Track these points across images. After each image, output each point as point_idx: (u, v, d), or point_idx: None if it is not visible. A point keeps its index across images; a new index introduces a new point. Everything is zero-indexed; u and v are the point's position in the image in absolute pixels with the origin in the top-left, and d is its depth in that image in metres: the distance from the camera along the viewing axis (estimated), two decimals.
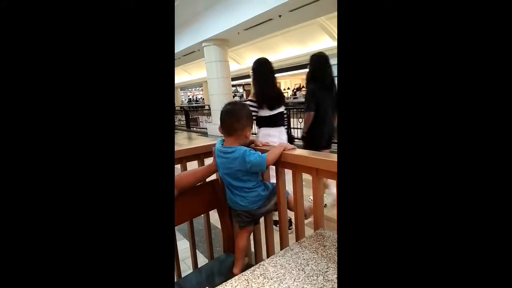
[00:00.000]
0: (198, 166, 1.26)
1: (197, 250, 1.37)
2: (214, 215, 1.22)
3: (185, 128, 10.41)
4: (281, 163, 1.04)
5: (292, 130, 5.92)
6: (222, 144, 1.02)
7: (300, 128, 5.61)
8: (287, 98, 17.50)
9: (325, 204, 2.17)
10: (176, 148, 1.21)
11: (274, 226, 1.22)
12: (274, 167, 1.07)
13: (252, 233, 1.15)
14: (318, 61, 2.17)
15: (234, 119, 0.98)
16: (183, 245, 1.67)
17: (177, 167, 1.23)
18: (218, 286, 0.61)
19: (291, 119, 6.03)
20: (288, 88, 21.74)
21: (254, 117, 1.83)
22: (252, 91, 1.97)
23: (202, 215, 1.22)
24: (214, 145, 1.26)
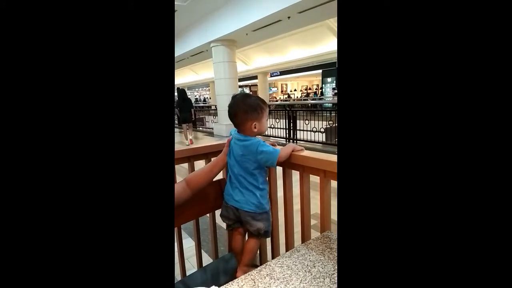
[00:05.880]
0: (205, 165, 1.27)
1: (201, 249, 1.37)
2: (219, 215, 1.22)
3: (192, 128, 10.47)
4: (288, 164, 1.04)
5: (297, 132, 5.92)
6: (237, 132, 1.02)
7: (305, 130, 5.60)
8: (293, 100, 17.44)
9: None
10: (182, 147, 1.22)
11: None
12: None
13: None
14: (178, 91, 6.48)
15: (232, 115, 0.99)
16: (187, 244, 1.68)
17: (185, 166, 1.24)
18: (224, 285, 0.61)
19: (298, 121, 6.05)
20: (295, 90, 21.70)
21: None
22: None
23: (208, 214, 1.22)
24: (221, 145, 1.27)
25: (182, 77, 18.94)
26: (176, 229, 1.21)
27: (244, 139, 0.98)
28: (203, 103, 18.30)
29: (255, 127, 0.98)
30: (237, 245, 1.05)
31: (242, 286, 0.61)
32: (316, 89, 18.42)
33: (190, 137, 6.63)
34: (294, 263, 0.68)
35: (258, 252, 1.14)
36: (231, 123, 1.02)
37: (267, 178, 1.05)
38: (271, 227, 1.14)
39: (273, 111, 6.68)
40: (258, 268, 0.67)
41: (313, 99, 14.72)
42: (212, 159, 1.27)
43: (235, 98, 1.00)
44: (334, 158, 0.88)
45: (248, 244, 1.02)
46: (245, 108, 0.97)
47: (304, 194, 1.03)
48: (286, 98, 18.88)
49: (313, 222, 1.10)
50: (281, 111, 6.47)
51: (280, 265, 0.68)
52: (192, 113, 6.61)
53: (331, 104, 8.37)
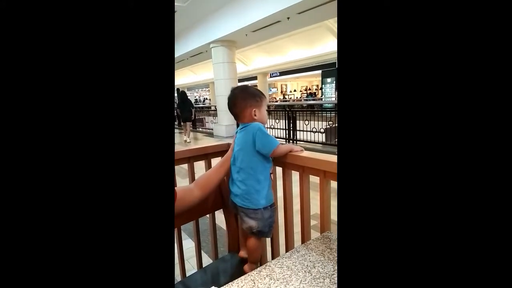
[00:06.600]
0: (205, 166, 1.27)
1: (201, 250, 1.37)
2: (219, 216, 1.22)
3: (191, 128, 10.49)
4: (288, 164, 1.04)
5: (297, 132, 5.92)
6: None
7: (305, 130, 5.60)
8: (293, 100, 17.44)
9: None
10: (182, 148, 1.22)
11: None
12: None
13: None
14: (179, 92, 7.03)
15: (231, 105, 1.01)
16: (187, 245, 1.68)
17: (184, 166, 1.24)
18: (224, 286, 0.61)
19: (297, 121, 6.04)
20: (295, 90, 21.73)
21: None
22: None
23: (207, 215, 1.22)
24: (220, 145, 1.27)
25: (182, 78, 18.94)
26: (176, 230, 1.21)
27: (246, 125, 0.98)
28: (203, 104, 18.31)
29: (255, 114, 0.98)
30: (242, 233, 1.07)
31: (242, 286, 0.61)
32: (315, 89, 18.43)
33: (186, 138, 7.08)
34: (294, 263, 0.68)
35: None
36: (231, 124, 1.03)
37: (270, 174, 1.00)
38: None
39: (272, 112, 6.69)
40: (258, 268, 0.67)
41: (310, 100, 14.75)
42: (212, 159, 1.27)
43: (234, 90, 1.02)
44: (333, 158, 0.88)
45: (248, 243, 1.01)
46: (244, 95, 0.99)
47: (304, 195, 1.03)
48: (283, 99, 18.87)
49: (313, 222, 1.10)
50: (280, 112, 6.47)
51: (280, 266, 0.68)
52: (192, 112, 7.19)
53: (331, 104, 8.38)
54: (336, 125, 5.19)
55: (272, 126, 6.44)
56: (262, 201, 0.95)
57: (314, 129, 5.48)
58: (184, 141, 6.96)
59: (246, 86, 1.06)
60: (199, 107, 12.10)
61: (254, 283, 0.62)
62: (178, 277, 1.28)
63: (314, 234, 0.98)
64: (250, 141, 0.94)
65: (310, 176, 1.00)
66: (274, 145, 0.94)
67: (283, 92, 21.73)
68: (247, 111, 0.98)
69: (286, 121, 6.15)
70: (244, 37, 7.06)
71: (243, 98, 0.98)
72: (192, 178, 1.24)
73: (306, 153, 0.99)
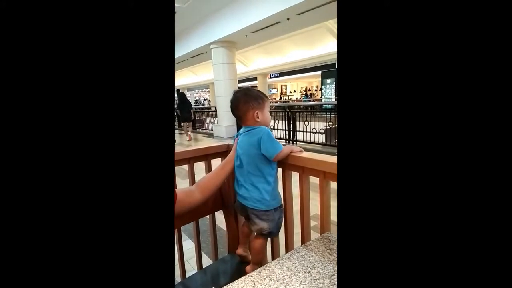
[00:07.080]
0: (205, 167, 1.27)
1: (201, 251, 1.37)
2: (219, 217, 1.22)
3: (191, 128, 10.51)
4: (288, 165, 1.04)
5: (297, 133, 5.92)
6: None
7: (305, 131, 5.60)
8: (293, 101, 17.44)
9: None
10: (182, 149, 1.22)
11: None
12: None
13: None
14: (178, 93, 7.57)
15: (234, 108, 1.01)
16: (187, 246, 1.68)
17: (184, 167, 1.24)
18: (224, 287, 0.61)
19: (297, 122, 6.05)
20: (295, 91, 21.75)
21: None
22: None
23: (207, 216, 1.22)
24: (221, 146, 1.27)
25: (182, 79, 18.95)
26: (176, 230, 1.21)
27: (252, 128, 0.98)
28: (202, 105, 18.34)
29: (257, 116, 0.98)
30: (244, 230, 1.08)
31: (242, 287, 0.61)
32: (315, 90, 18.45)
33: (189, 133, 7.50)
34: (293, 264, 0.68)
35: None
36: (231, 124, 1.03)
37: (276, 174, 1.01)
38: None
39: (272, 112, 6.68)
40: (258, 269, 0.67)
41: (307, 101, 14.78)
42: (212, 160, 1.27)
43: (236, 93, 1.03)
44: (333, 159, 0.88)
45: (254, 244, 1.01)
46: (246, 98, 0.99)
47: (303, 195, 1.03)
48: (281, 100, 18.86)
49: (312, 223, 1.10)
50: (280, 112, 6.47)
51: (279, 267, 0.68)
52: (192, 113, 7.67)
53: (331, 105, 8.40)
54: (336, 125, 5.19)
55: (272, 127, 6.44)
56: (273, 202, 0.97)
57: (314, 130, 5.48)
58: (188, 140, 7.16)
59: (248, 88, 1.06)
60: (199, 108, 12.13)
61: (254, 284, 0.62)
62: (178, 278, 1.28)
63: (314, 235, 0.97)
64: (255, 144, 0.95)
65: (310, 177, 1.00)
66: (277, 150, 0.94)
67: (282, 93, 21.74)
68: (250, 114, 0.98)
69: (286, 121, 6.15)
70: (244, 38, 7.07)
71: (245, 101, 0.99)
72: (192, 179, 1.24)
73: (306, 154, 0.99)
